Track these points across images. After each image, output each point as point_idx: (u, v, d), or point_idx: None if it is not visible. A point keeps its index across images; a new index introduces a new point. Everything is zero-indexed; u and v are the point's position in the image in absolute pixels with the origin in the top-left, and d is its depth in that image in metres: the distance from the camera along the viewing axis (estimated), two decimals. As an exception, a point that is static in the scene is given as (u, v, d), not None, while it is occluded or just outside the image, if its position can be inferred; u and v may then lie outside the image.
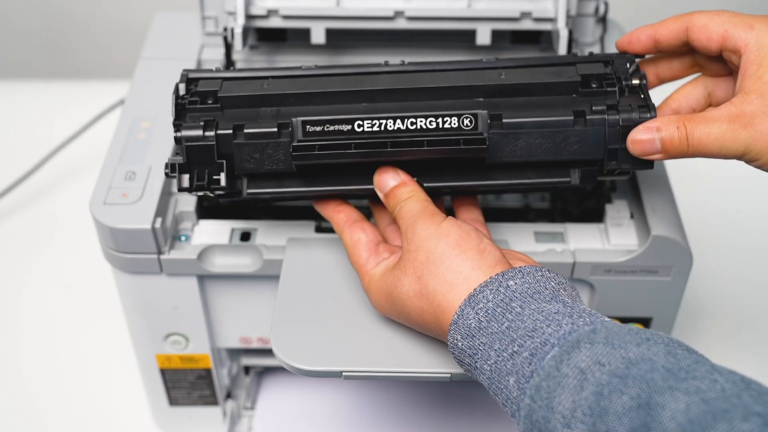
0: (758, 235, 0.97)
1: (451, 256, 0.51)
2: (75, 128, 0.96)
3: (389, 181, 0.57)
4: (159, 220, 0.61)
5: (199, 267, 0.63)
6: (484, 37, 0.72)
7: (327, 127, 0.55)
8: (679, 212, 0.63)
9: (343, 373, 0.53)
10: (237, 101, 0.57)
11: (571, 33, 0.70)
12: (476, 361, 0.49)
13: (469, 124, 0.55)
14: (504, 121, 0.55)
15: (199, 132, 0.55)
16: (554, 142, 0.55)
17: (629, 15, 0.87)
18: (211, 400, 0.74)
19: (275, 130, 0.55)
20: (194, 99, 0.57)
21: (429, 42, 0.77)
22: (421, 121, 0.55)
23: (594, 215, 0.67)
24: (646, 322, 0.66)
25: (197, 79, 0.58)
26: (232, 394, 0.77)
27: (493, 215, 0.68)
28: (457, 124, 0.55)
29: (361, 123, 0.55)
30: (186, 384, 0.72)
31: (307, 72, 0.59)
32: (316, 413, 0.78)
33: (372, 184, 0.57)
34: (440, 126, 0.55)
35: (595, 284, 0.63)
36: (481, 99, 0.57)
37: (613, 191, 0.66)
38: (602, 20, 0.75)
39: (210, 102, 0.57)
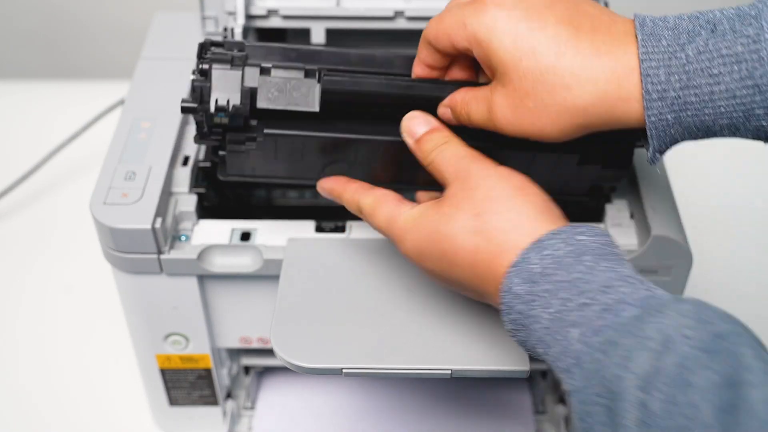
0: (759, 235, 0.97)
1: (515, 197, 0.48)
2: (75, 128, 0.96)
3: (420, 126, 0.53)
4: (159, 220, 0.61)
5: (199, 267, 0.63)
6: (484, 37, 0.72)
7: (355, 76, 0.56)
8: (679, 212, 0.63)
9: (344, 370, 0.53)
10: (263, 51, 0.57)
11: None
12: (532, 309, 0.46)
13: None
14: None
15: (227, 65, 0.55)
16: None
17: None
18: (211, 400, 0.74)
19: (301, 70, 0.56)
20: (219, 45, 0.57)
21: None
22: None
23: (594, 215, 0.67)
24: (646, 322, 0.66)
25: (221, 44, 0.58)
26: (232, 394, 0.77)
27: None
28: None
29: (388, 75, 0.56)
30: (186, 384, 0.72)
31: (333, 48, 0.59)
32: (317, 413, 0.78)
33: (395, 135, 0.55)
34: None
35: (595, 284, 0.63)
36: None
37: (613, 191, 0.66)
38: (602, 20, 0.75)
39: (236, 50, 0.57)
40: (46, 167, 0.99)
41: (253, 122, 0.57)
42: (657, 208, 0.62)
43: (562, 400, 0.76)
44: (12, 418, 0.80)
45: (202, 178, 0.66)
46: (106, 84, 1.12)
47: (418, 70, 0.56)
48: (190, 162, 0.66)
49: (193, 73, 0.56)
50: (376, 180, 0.59)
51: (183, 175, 0.65)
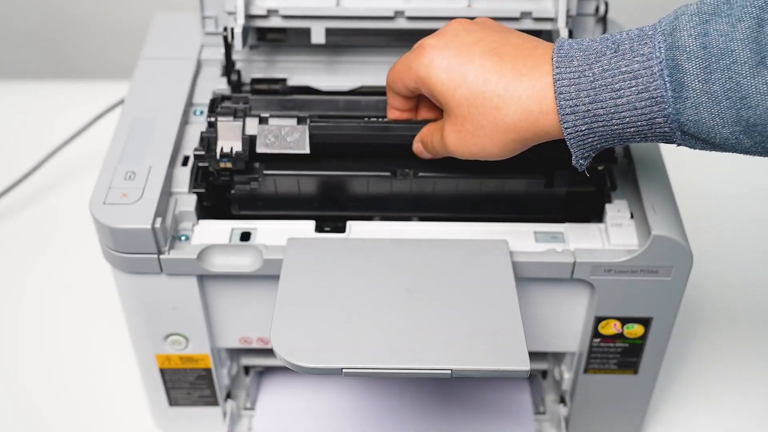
0: (759, 235, 0.97)
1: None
2: (75, 128, 0.96)
3: None
4: (159, 220, 0.61)
5: (198, 267, 0.63)
6: (484, 37, 0.72)
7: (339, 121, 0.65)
8: (680, 212, 0.63)
9: (344, 370, 0.53)
10: (264, 102, 0.68)
11: (571, 33, 0.70)
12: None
13: None
14: None
15: (231, 117, 0.65)
16: None
17: (629, 15, 0.87)
18: (211, 400, 0.74)
19: (294, 117, 0.65)
20: (227, 99, 0.69)
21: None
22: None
23: (594, 215, 0.67)
24: (646, 322, 0.66)
25: (229, 97, 0.70)
26: (232, 394, 0.77)
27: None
28: None
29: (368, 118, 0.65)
30: (186, 384, 0.72)
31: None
32: (316, 413, 0.78)
33: (376, 170, 0.65)
34: None
35: (595, 284, 0.63)
36: None
37: (614, 191, 0.66)
38: (602, 20, 0.75)
39: (241, 103, 0.68)
40: (46, 167, 0.99)
41: (256, 165, 0.65)
42: (657, 208, 0.62)
43: (562, 400, 0.76)
44: (12, 418, 0.80)
45: (201, 178, 0.66)
46: (106, 84, 1.12)
47: (390, 114, 0.64)
48: (190, 162, 0.66)
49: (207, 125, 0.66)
50: (363, 208, 0.67)
51: (183, 175, 0.65)
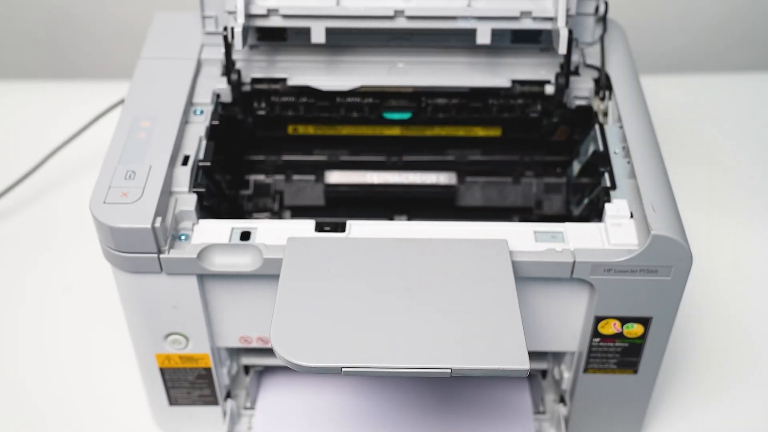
0: (759, 234, 0.97)
1: None
2: (75, 128, 0.96)
3: None
4: (159, 219, 0.61)
5: (198, 266, 0.63)
6: (484, 37, 0.72)
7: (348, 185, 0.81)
8: (679, 212, 0.63)
9: (343, 369, 0.54)
10: (295, 189, 0.82)
11: (571, 32, 0.70)
12: None
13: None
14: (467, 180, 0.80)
15: (263, 176, 0.81)
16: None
17: (629, 15, 0.87)
18: (211, 399, 0.74)
19: (314, 178, 0.81)
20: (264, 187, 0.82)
21: (429, 41, 0.77)
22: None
23: (594, 215, 0.67)
24: (646, 322, 0.66)
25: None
26: (232, 393, 0.77)
27: (493, 215, 0.68)
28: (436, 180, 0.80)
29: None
30: (186, 383, 0.72)
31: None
32: (317, 413, 0.78)
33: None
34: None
35: (594, 284, 0.63)
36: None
37: (613, 190, 0.66)
38: (602, 20, 0.75)
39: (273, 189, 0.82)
40: (46, 167, 0.99)
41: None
42: (656, 208, 0.62)
43: (562, 400, 0.76)
44: (12, 418, 0.80)
45: (202, 177, 0.66)
46: (106, 84, 1.12)
47: None
48: (190, 161, 0.66)
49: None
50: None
51: (183, 175, 0.65)
